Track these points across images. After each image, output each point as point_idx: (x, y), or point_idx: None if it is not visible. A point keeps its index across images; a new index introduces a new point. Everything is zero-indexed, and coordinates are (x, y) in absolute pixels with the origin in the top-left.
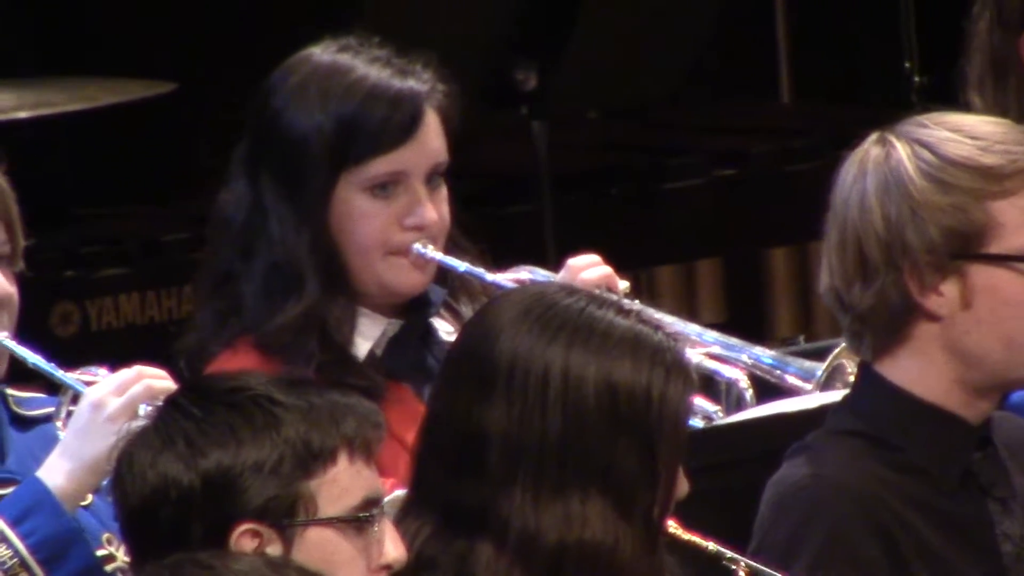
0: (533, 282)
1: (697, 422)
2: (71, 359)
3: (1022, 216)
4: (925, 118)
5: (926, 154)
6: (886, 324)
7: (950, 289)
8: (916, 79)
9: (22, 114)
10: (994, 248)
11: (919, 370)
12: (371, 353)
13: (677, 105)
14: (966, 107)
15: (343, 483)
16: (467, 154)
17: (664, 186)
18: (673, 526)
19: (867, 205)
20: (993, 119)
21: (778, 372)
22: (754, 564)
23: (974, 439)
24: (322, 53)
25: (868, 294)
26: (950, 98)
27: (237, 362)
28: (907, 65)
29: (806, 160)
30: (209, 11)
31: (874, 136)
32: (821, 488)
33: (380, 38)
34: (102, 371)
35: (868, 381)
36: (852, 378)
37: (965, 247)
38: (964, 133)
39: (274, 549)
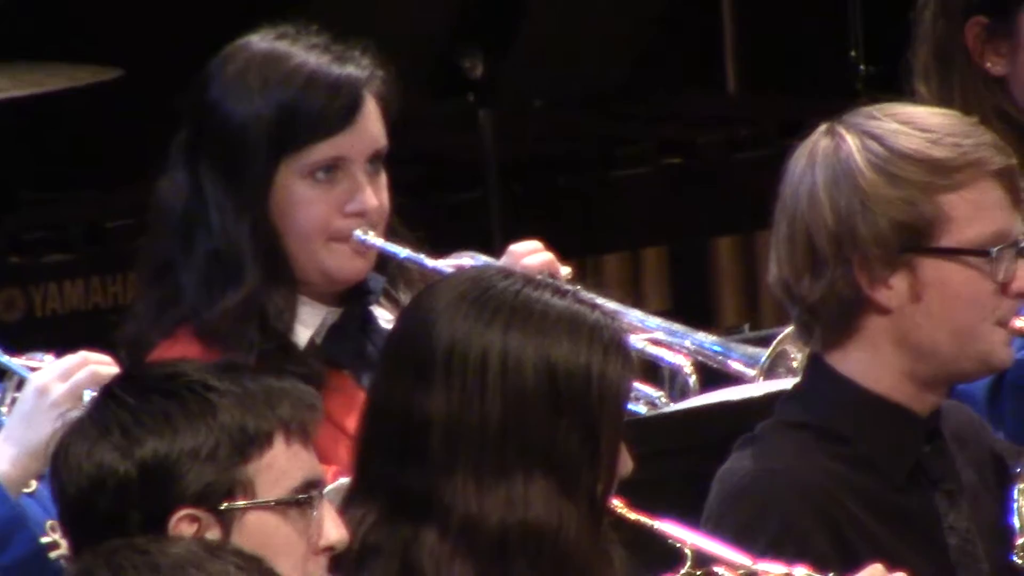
0: (474, 267)
1: (641, 408)
2: (15, 345)
3: (971, 209)
4: (875, 109)
5: (876, 146)
6: (836, 316)
7: (900, 282)
8: (862, 68)
9: None
10: (944, 241)
11: (869, 362)
12: (311, 341)
13: (624, 94)
14: (912, 97)
15: (280, 466)
16: (414, 141)
17: (611, 174)
18: (619, 505)
19: (816, 197)
20: (943, 111)
21: (721, 358)
22: (699, 541)
23: (923, 432)
24: (260, 41)
25: (818, 286)
26: (897, 88)
27: (177, 351)
28: (853, 54)
29: (752, 149)
30: None
31: (823, 127)
32: (771, 482)
33: (325, 27)
34: (47, 357)
35: (817, 372)
36: (796, 364)
37: (915, 240)
38: (914, 125)
39: (213, 534)
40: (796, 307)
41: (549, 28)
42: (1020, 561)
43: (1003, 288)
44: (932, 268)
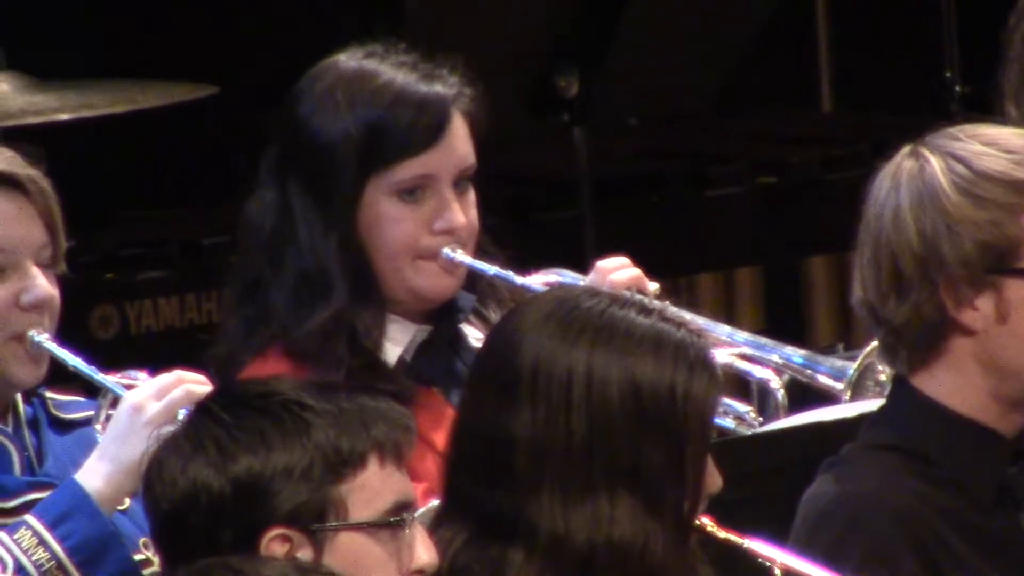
0: (561, 285)
1: (729, 422)
2: (110, 361)
3: None
4: (958, 130)
5: (960, 168)
6: (921, 338)
7: (985, 303)
8: (957, 89)
9: (64, 116)
10: None
11: (954, 384)
12: (401, 359)
13: (718, 113)
14: (1003, 118)
15: (373, 487)
16: (509, 160)
17: (705, 194)
18: (708, 523)
19: (901, 219)
20: None
21: (809, 372)
22: (789, 562)
23: (1009, 453)
24: (348, 59)
25: (903, 308)
26: (991, 108)
27: (267, 370)
28: (948, 75)
29: (846, 169)
30: (251, 15)
31: (907, 149)
32: (858, 505)
33: (420, 45)
34: (142, 375)
35: (903, 394)
36: (884, 378)
37: (1000, 261)
38: (998, 147)
39: (305, 554)
40: (881, 329)
41: (643, 46)
42: None
43: None
44: (1018, 289)
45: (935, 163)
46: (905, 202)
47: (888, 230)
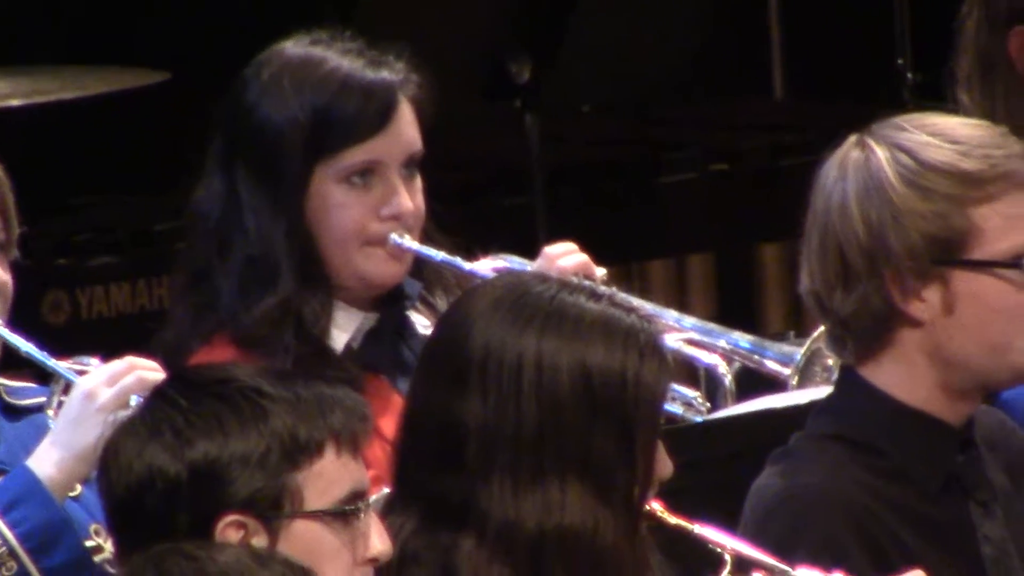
0: (509, 271)
1: (677, 408)
2: (61, 347)
3: (1003, 221)
4: (904, 120)
5: (906, 159)
6: (868, 329)
7: (932, 295)
8: (909, 76)
9: (15, 102)
10: (976, 254)
11: (902, 374)
12: (348, 346)
13: (670, 100)
14: (955, 105)
15: (330, 476)
16: (461, 145)
17: (656, 180)
18: (659, 509)
19: (848, 210)
20: (972, 121)
21: (757, 357)
22: (739, 547)
23: (956, 442)
24: (294, 47)
25: (850, 300)
26: (943, 96)
27: (214, 357)
28: (900, 62)
29: (798, 156)
30: (202, 1)
31: (853, 138)
32: (806, 499)
33: (371, 31)
34: (94, 361)
35: (850, 384)
36: (832, 362)
37: (947, 253)
38: (944, 137)
39: (259, 541)
40: (828, 319)
41: (596, 34)
42: None
43: None
44: (965, 281)
45: (881, 154)
46: (851, 193)
47: (835, 221)
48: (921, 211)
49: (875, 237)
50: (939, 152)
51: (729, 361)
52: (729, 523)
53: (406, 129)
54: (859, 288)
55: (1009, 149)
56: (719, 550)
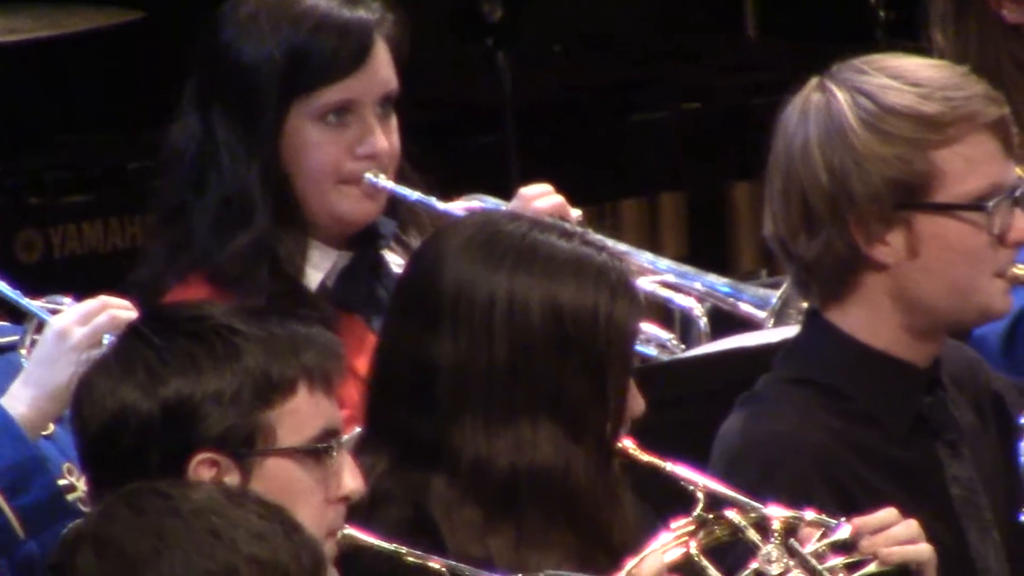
0: (483, 210)
1: (652, 350)
2: (34, 285)
3: (965, 164)
4: (864, 62)
5: (866, 103)
6: (833, 273)
7: (896, 239)
8: (882, 15)
9: None
10: (939, 197)
11: (867, 318)
12: (322, 284)
13: (643, 39)
14: (928, 44)
15: (302, 414)
16: (433, 85)
17: (629, 119)
18: (631, 447)
19: (810, 155)
20: (934, 62)
21: (732, 300)
22: (711, 485)
23: (923, 384)
24: None
25: (814, 244)
26: (916, 35)
27: (189, 295)
28: (872, 1)
29: (771, 95)
30: None
31: (814, 81)
32: (775, 445)
33: None
34: (66, 300)
35: (816, 328)
36: (806, 304)
37: (910, 197)
38: (904, 80)
39: (232, 479)
40: (793, 264)
41: None
42: None
43: (1000, 239)
44: (928, 224)
45: (841, 98)
46: (813, 138)
47: (797, 166)
48: (883, 155)
49: (838, 182)
50: (899, 95)
51: (703, 303)
52: (701, 460)
53: (382, 68)
54: (823, 233)
55: (970, 90)
56: (691, 488)
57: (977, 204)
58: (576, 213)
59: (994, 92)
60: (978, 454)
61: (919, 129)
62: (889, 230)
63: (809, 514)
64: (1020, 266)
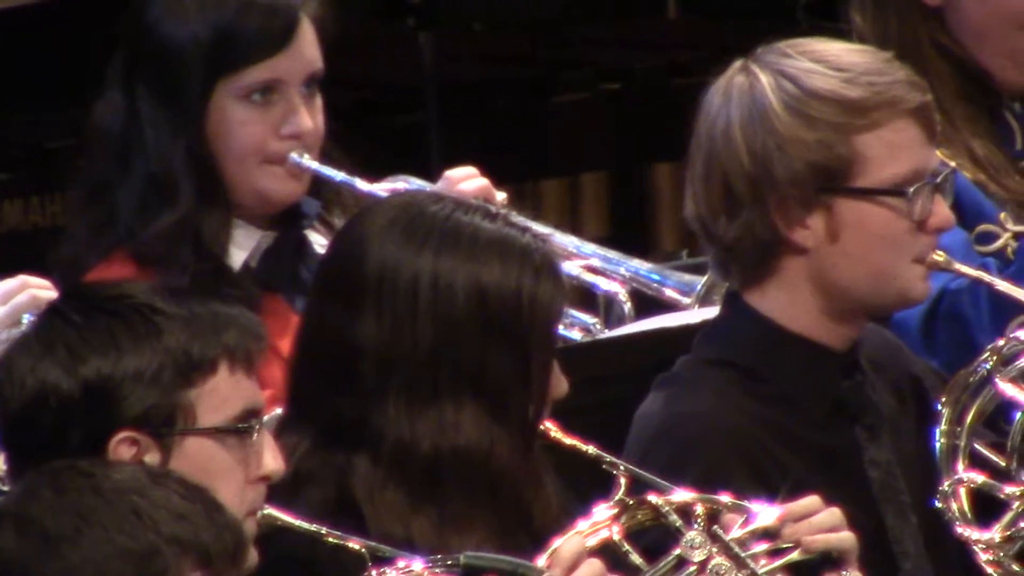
0: (406, 191)
1: (576, 334)
2: None
3: (887, 149)
4: (787, 46)
5: (789, 86)
6: (753, 256)
7: (817, 223)
8: None
9: None
10: (860, 182)
11: (786, 301)
12: (246, 264)
13: (564, 19)
14: (848, 26)
15: (223, 393)
16: (355, 65)
17: (551, 99)
18: (554, 430)
19: (732, 138)
20: (857, 47)
21: (657, 285)
22: (634, 468)
23: (841, 368)
24: None
25: (734, 226)
26: (836, 16)
27: (113, 273)
28: None
29: (691, 75)
30: None
31: (738, 64)
32: (691, 426)
33: None
34: None
35: (735, 310)
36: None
37: (831, 181)
38: (828, 64)
39: (152, 458)
40: (713, 245)
41: None
42: (941, 505)
43: (920, 225)
44: (849, 208)
45: (764, 81)
46: (736, 120)
47: (719, 148)
48: (805, 139)
49: (759, 165)
50: (823, 80)
51: (627, 287)
52: (622, 442)
53: (307, 48)
54: (743, 215)
55: (893, 76)
56: (614, 471)
57: (898, 189)
58: (501, 196)
59: (917, 78)
60: (897, 438)
61: (842, 114)
62: (810, 214)
63: (728, 499)
64: (939, 252)
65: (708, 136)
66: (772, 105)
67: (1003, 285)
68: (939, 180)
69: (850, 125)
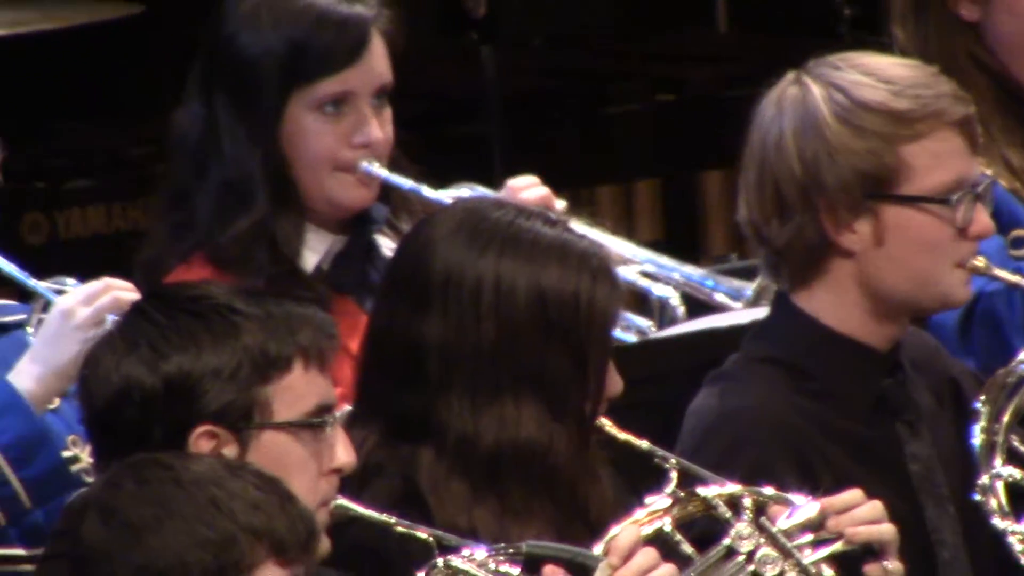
0: (470, 198)
1: (631, 337)
2: (40, 266)
3: (932, 159)
4: (839, 59)
5: (840, 97)
6: (802, 258)
7: (863, 227)
8: (846, 11)
9: None
10: (905, 189)
11: (833, 302)
12: (318, 267)
13: (619, 33)
14: (890, 40)
15: (297, 389)
16: (420, 78)
17: (606, 110)
18: (608, 425)
19: (784, 146)
20: (905, 61)
21: (708, 290)
22: (685, 463)
23: (884, 366)
24: None
25: (785, 230)
26: (878, 30)
27: (192, 275)
28: None
29: (740, 87)
30: None
31: (791, 75)
32: (742, 420)
33: None
34: (71, 281)
35: (784, 310)
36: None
37: (878, 188)
38: (877, 77)
39: (230, 451)
40: (764, 248)
41: None
42: (980, 498)
43: (962, 232)
44: (895, 214)
45: (816, 92)
46: (788, 129)
47: (771, 155)
48: (854, 148)
49: (810, 172)
50: (872, 91)
51: (679, 291)
52: (674, 438)
53: (377, 61)
54: (794, 220)
55: (938, 89)
56: (666, 465)
57: (942, 197)
58: (560, 204)
59: (961, 92)
60: (936, 434)
61: (889, 124)
62: (857, 219)
63: (775, 492)
64: (980, 258)
65: (761, 144)
66: (823, 115)
67: None
68: (980, 189)
69: (897, 135)
